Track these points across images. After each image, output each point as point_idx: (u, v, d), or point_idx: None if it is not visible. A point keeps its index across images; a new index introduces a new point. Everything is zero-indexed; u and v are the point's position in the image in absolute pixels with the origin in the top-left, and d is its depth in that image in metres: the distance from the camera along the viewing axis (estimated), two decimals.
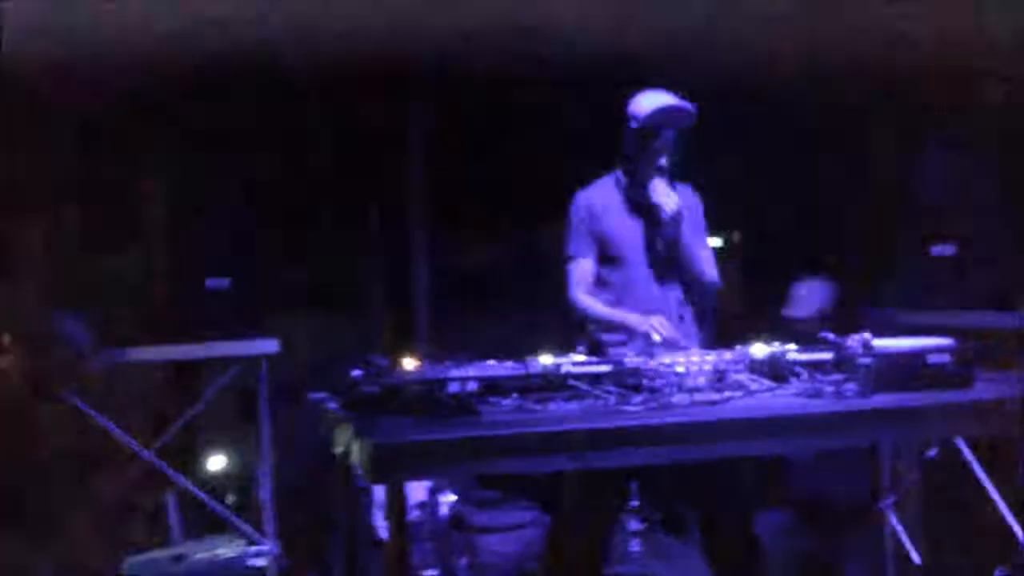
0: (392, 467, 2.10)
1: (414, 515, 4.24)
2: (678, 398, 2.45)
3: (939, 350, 2.55)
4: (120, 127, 4.79)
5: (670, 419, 2.27)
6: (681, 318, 3.24)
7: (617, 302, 3.25)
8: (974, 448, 3.66)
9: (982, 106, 4.20)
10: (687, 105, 3.19)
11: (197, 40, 4.52)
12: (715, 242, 3.59)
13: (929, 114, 4.46)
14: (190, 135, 5.00)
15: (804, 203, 5.37)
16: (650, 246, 3.25)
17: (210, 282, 4.03)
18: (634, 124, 3.23)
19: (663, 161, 3.22)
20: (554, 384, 2.49)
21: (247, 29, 4.63)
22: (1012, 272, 3.95)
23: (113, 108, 4.71)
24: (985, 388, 2.48)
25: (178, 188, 4.17)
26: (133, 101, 4.72)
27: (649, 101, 3.21)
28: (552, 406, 2.40)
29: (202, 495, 4.23)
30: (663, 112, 3.18)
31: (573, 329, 3.34)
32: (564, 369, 2.51)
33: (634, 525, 3.92)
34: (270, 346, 4.15)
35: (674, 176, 3.26)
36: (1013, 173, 4.10)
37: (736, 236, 6.22)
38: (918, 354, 2.55)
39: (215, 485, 4.53)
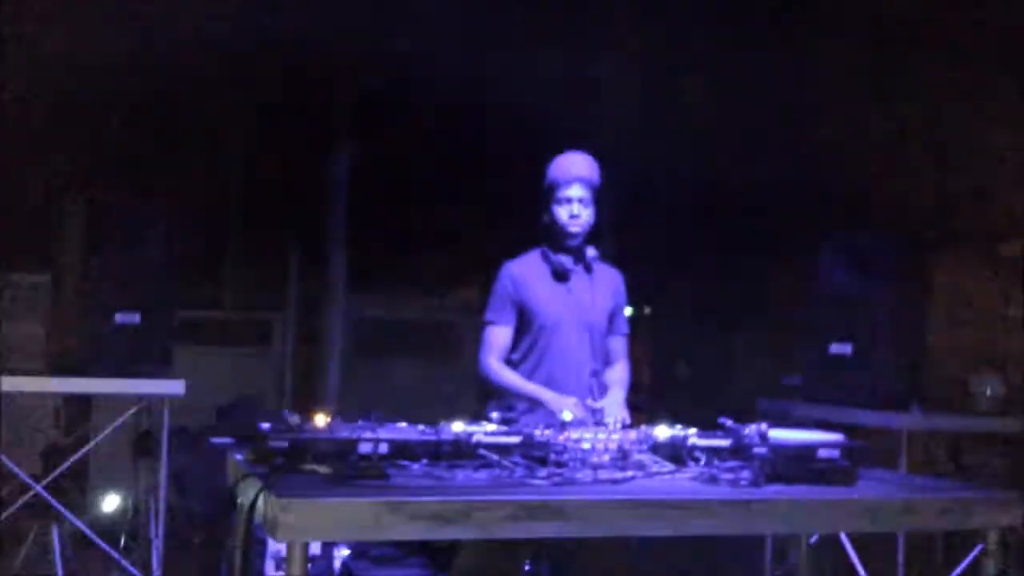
0: (297, 526, 2.10)
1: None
2: (582, 474, 2.50)
3: (829, 445, 2.66)
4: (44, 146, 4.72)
5: (572, 495, 2.33)
6: (591, 389, 3.32)
7: (533, 369, 3.32)
8: (854, 539, 3.81)
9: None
10: (582, 153, 3.31)
11: (116, 70, 4.50)
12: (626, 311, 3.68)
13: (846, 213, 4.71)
14: (114, 161, 4.95)
15: (717, 287, 5.58)
16: (570, 319, 3.33)
17: (120, 316, 3.96)
18: (545, 190, 3.35)
19: (576, 225, 3.30)
20: (464, 452, 2.52)
21: (170, 60, 4.63)
22: (903, 374, 4.15)
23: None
24: (868, 487, 2.60)
25: (97, 216, 4.10)
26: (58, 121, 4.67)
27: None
28: (460, 474, 2.44)
29: (90, 532, 4.11)
30: (560, 163, 3.32)
31: (482, 393, 3.38)
32: (475, 438, 2.54)
33: None
34: (175, 387, 4.08)
35: (601, 255, 3.37)
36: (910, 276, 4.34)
37: (646, 310, 6.43)
38: (810, 448, 2.65)
39: (107, 524, 4.40)
